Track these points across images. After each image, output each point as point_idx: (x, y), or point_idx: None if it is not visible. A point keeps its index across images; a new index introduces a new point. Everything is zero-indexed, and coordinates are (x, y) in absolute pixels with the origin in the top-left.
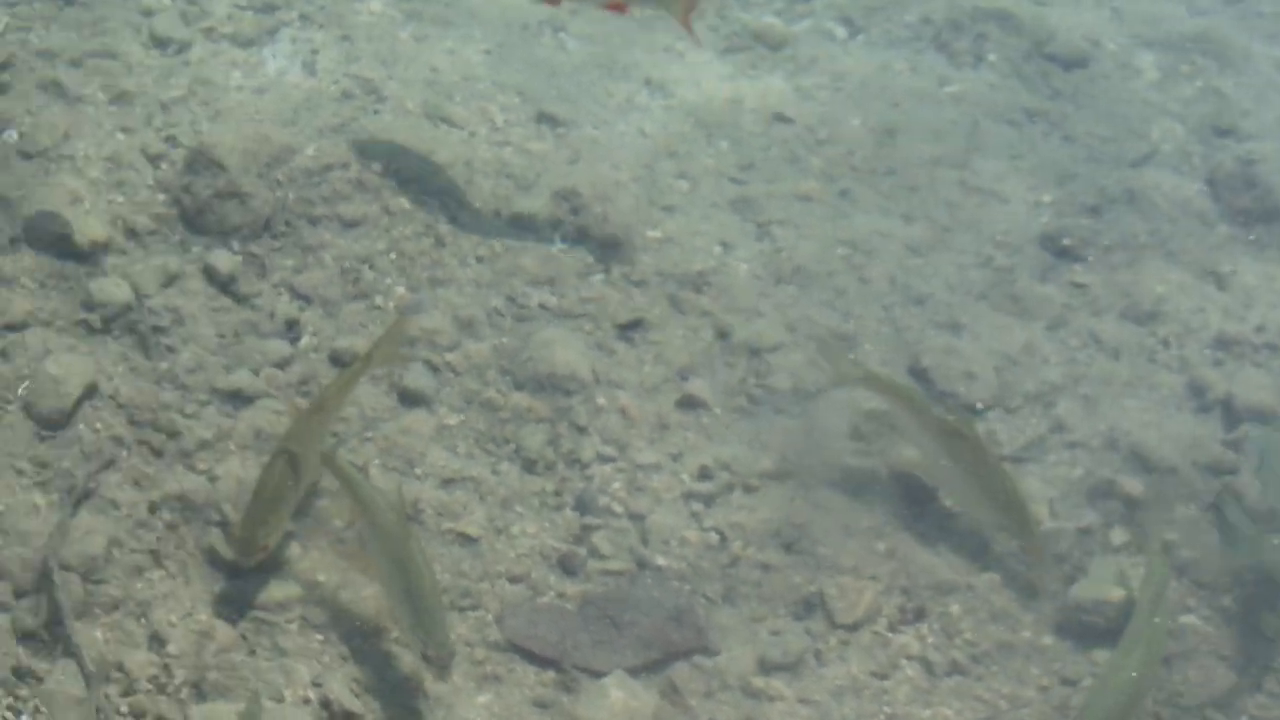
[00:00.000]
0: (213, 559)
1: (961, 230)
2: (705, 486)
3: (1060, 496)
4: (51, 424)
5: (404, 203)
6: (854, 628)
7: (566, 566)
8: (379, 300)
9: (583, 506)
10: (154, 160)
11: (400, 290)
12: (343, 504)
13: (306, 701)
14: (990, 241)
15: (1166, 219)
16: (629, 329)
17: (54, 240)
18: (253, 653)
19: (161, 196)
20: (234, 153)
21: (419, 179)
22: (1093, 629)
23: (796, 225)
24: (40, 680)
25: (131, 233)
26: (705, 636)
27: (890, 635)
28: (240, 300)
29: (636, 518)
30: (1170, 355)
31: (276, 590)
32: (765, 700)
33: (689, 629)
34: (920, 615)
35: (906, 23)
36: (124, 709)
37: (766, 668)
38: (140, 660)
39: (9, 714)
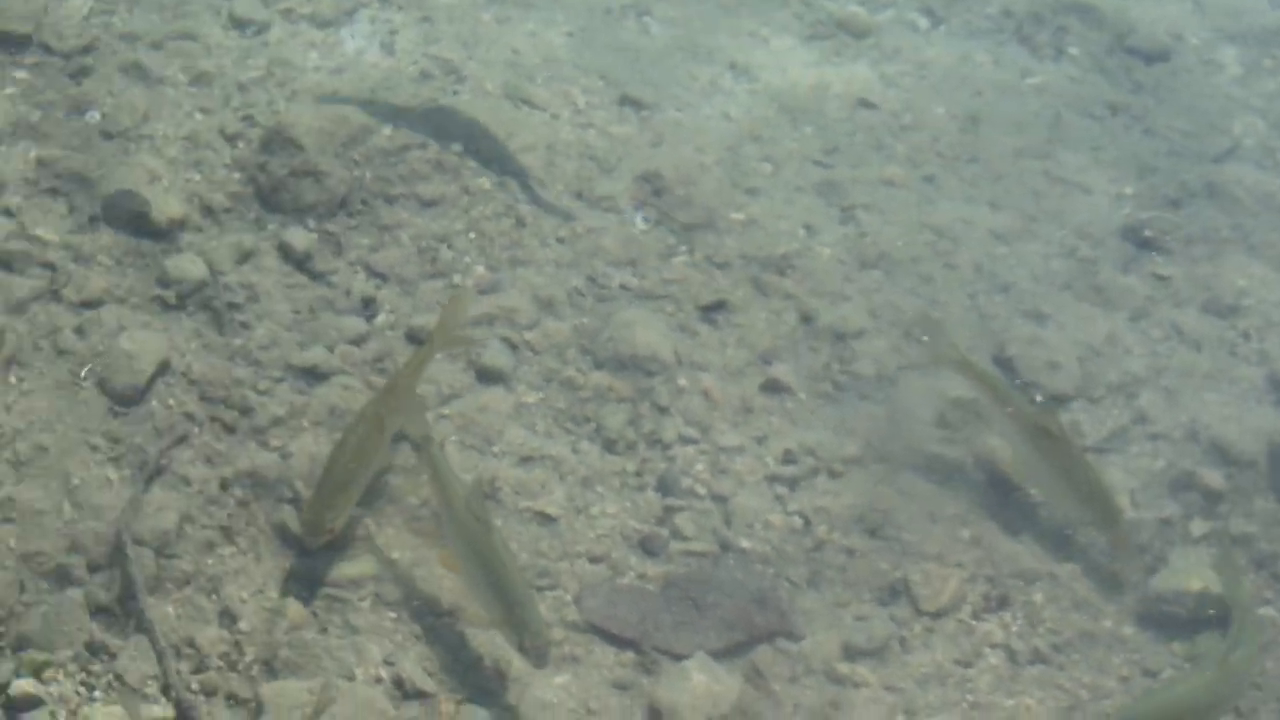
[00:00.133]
0: (284, 536)
1: (1046, 220)
2: (789, 470)
3: (1141, 487)
4: (125, 400)
5: (484, 183)
6: (938, 615)
7: (648, 547)
8: (457, 279)
9: (665, 487)
10: (231, 140)
11: (479, 269)
12: (431, 497)
13: (378, 680)
14: (1074, 232)
15: (1248, 213)
16: (712, 310)
17: (132, 218)
18: (324, 630)
19: (238, 175)
20: (310, 132)
21: (499, 160)
22: (1173, 619)
23: (881, 210)
24: (113, 655)
25: (208, 210)
26: (789, 620)
27: (974, 623)
28: (315, 277)
29: (720, 500)
30: (1251, 348)
31: (349, 567)
32: (850, 686)
33: (772, 612)
34: (1004, 603)
35: (988, 14)
36: (195, 685)
37: (851, 653)
38: (211, 636)
39: (82, 689)
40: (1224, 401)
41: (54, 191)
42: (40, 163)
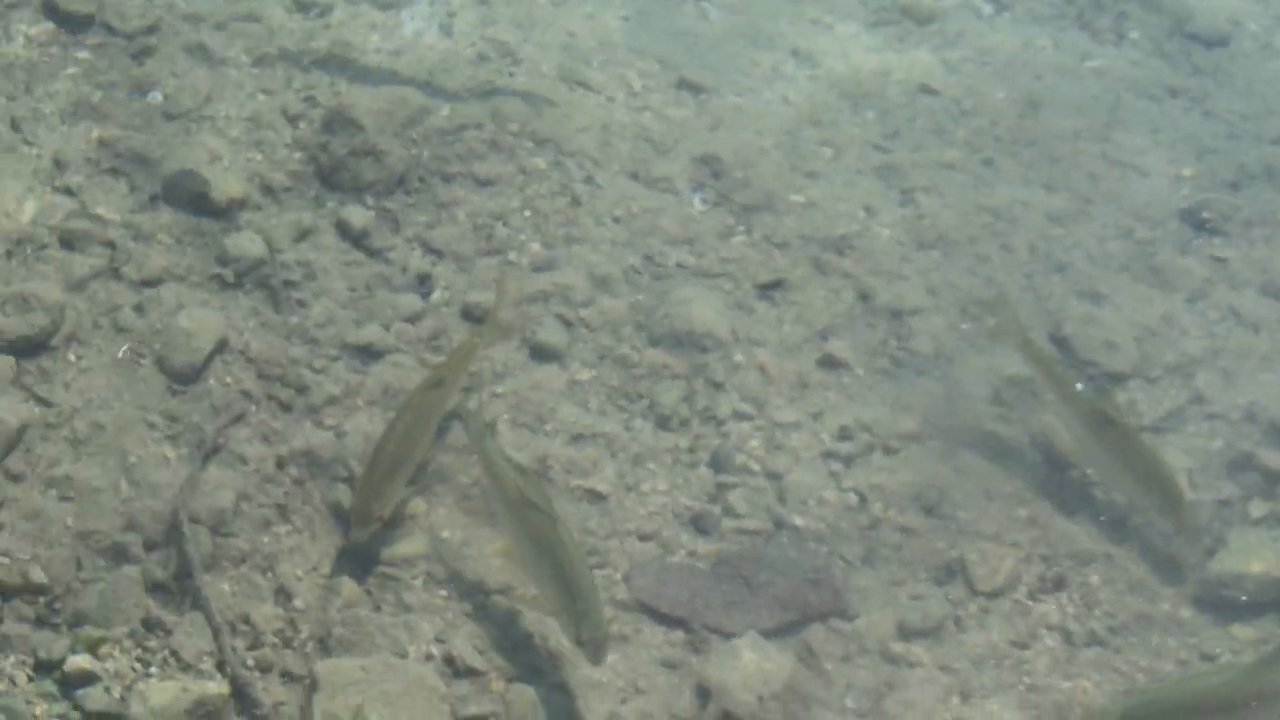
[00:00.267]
0: (339, 514)
1: (1103, 202)
2: (845, 447)
3: (1199, 468)
4: (183, 378)
5: (539, 163)
6: (994, 595)
7: (699, 525)
8: (512, 256)
9: (718, 464)
10: (293, 120)
11: (535, 246)
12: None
13: (430, 658)
14: (1131, 213)
15: None
16: (769, 289)
17: (192, 198)
18: (378, 608)
19: (298, 155)
20: (371, 112)
21: (555, 140)
22: (1232, 603)
23: (940, 193)
24: (169, 632)
25: (268, 189)
26: (843, 599)
27: (1030, 604)
28: (372, 254)
29: (774, 476)
30: None
31: (402, 546)
32: (904, 666)
33: (826, 591)
34: (1060, 584)
35: (1051, 0)
36: (250, 662)
37: (906, 633)
38: (266, 614)
39: (138, 665)
40: None
41: (115, 171)
42: (101, 142)
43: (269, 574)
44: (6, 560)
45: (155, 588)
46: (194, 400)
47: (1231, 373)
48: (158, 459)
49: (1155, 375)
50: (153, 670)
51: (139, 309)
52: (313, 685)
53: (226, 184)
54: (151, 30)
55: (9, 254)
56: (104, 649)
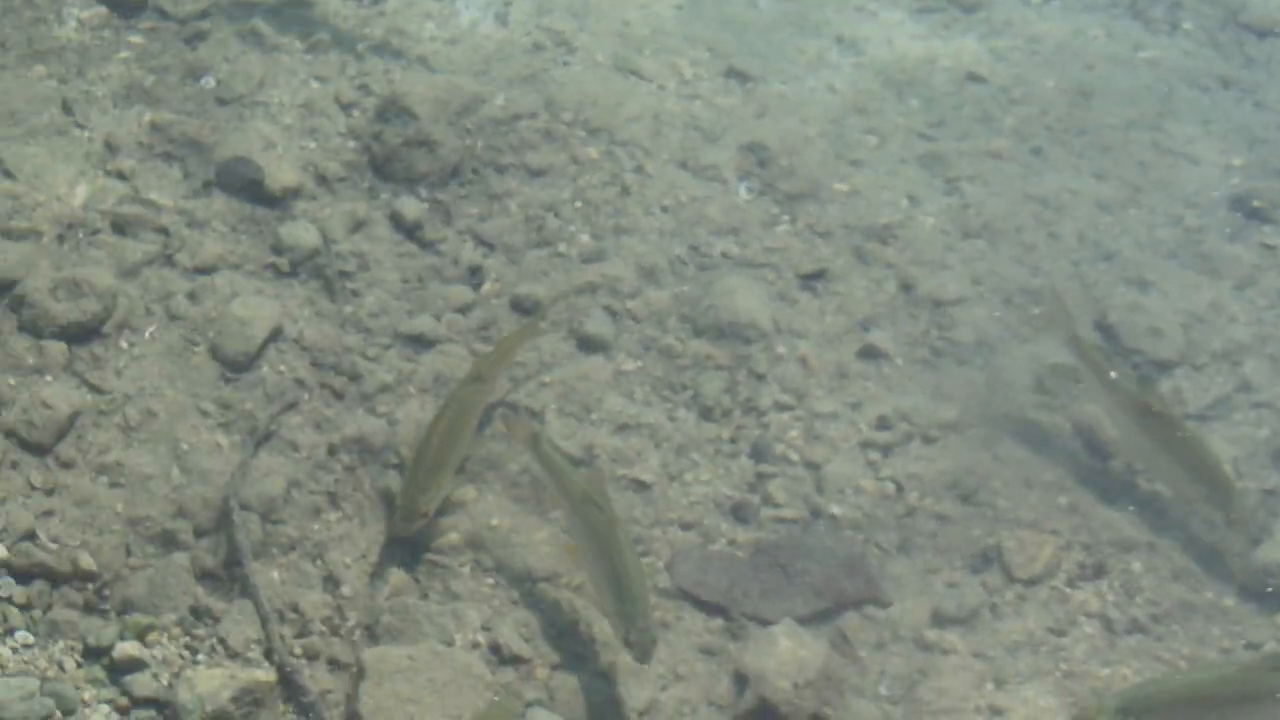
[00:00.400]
0: (389, 502)
1: (1152, 190)
2: (883, 436)
3: (1245, 456)
4: (236, 366)
5: (591, 152)
6: (1032, 582)
7: (739, 514)
8: (562, 247)
9: (758, 454)
10: (346, 108)
11: (584, 238)
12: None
13: (476, 645)
14: (1181, 201)
15: None
16: (812, 279)
17: (246, 185)
18: (425, 596)
19: (352, 144)
20: (425, 101)
21: (607, 129)
22: (1278, 593)
23: (986, 181)
24: (217, 619)
25: (322, 179)
26: (878, 587)
27: (1069, 591)
28: (425, 246)
29: (812, 466)
30: None
31: (450, 534)
32: (938, 653)
33: (861, 579)
34: (1100, 572)
35: None
36: (298, 649)
37: (940, 620)
38: (315, 601)
39: (186, 652)
40: None
41: (168, 156)
42: (154, 127)
43: (318, 561)
44: (56, 546)
45: (204, 575)
46: (247, 388)
47: None
48: (209, 446)
49: (1202, 363)
50: (200, 657)
51: (192, 296)
52: (360, 673)
53: (281, 172)
54: (205, 15)
55: (60, 238)
56: (152, 636)
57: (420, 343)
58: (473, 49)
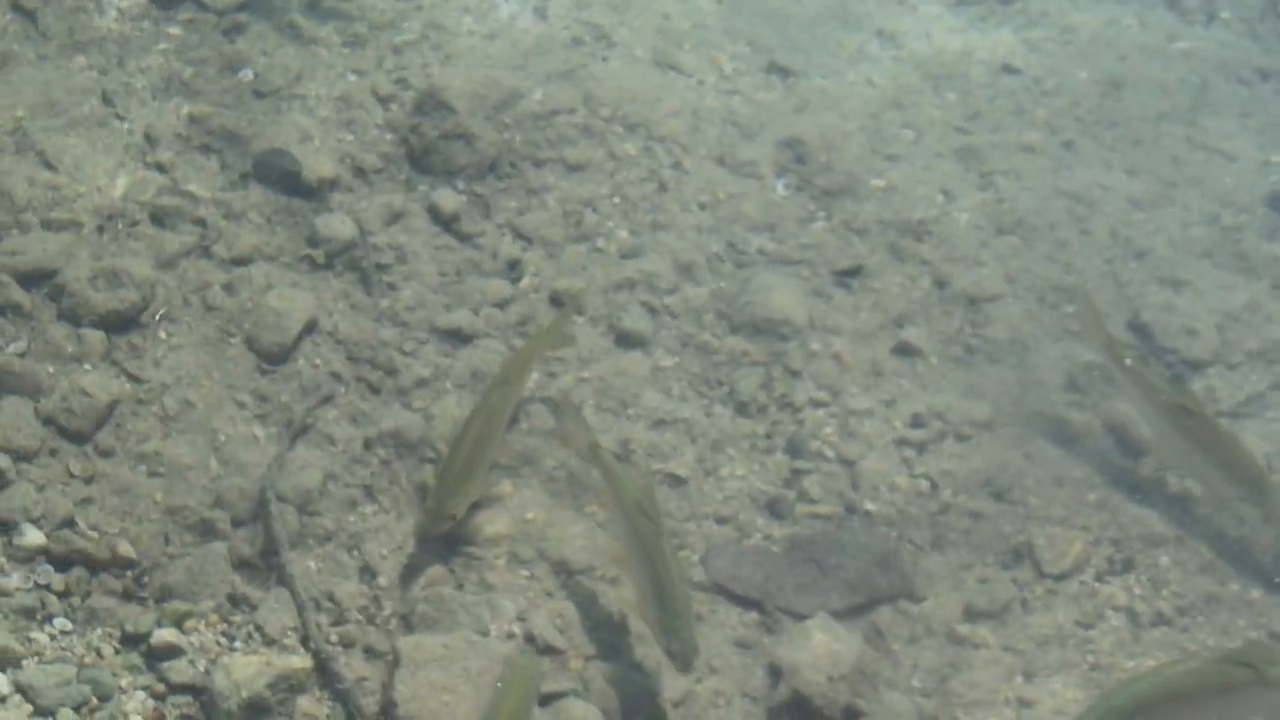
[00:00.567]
0: (424, 495)
1: (1187, 186)
2: (918, 434)
3: (1277, 453)
4: (272, 358)
5: (630, 148)
6: (1061, 577)
7: (774, 509)
8: (600, 243)
9: (794, 450)
10: (384, 101)
11: (622, 234)
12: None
13: (511, 636)
14: (1216, 199)
15: None
16: (847, 275)
17: (282, 176)
18: (460, 587)
19: (389, 136)
20: (463, 95)
21: (645, 124)
22: None
23: (1019, 176)
24: (254, 607)
25: (359, 171)
26: (911, 582)
27: (1097, 585)
28: (463, 239)
29: (847, 463)
30: None
31: (486, 527)
32: (969, 647)
33: (894, 574)
34: (1128, 566)
35: None
36: (334, 638)
37: (972, 615)
38: (351, 591)
39: (223, 639)
40: None
41: (206, 148)
42: (192, 119)
43: (354, 552)
44: (95, 534)
45: (242, 564)
46: (283, 380)
47: None
48: (246, 438)
49: (1236, 361)
50: (237, 644)
51: (229, 288)
52: (395, 661)
53: (317, 164)
54: (243, 7)
55: (100, 229)
56: (189, 623)
57: (457, 337)
58: (511, 43)
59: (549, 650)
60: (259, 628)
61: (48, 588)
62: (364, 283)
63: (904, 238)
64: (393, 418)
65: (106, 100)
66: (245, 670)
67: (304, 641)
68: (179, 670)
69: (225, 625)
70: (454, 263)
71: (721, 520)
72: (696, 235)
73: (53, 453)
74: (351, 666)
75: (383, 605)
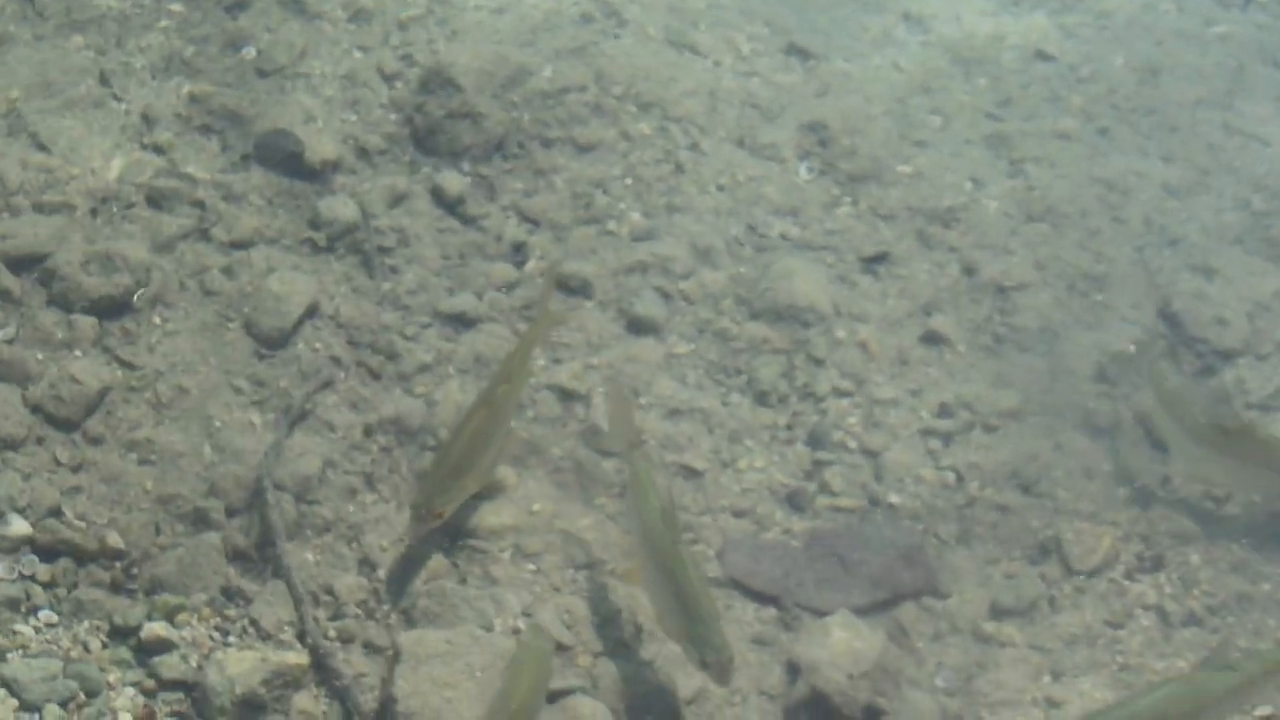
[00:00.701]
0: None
1: (1221, 173)
2: (944, 424)
3: None
4: (271, 343)
5: (644, 128)
6: (1090, 574)
7: (794, 502)
8: (611, 225)
9: (815, 441)
10: (389, 79)
11: (635, 216)
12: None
13: (516, 631)
14: (1250, 185)
15: None
16: (873, 262)
17: (284, 158)
18: (463, 580)
19: (394, 116)
20: (470, 72)
21: (660, 104)
22: None
23: (1052, 163)
24: (249, 600)
25: (362, 152)
26: (935, 578)
27: (1126, 583)
28: (467, 222)
29: (871, 454)
30: None
31: (490, 518)
32: (996, 645)
33: (919, 569)
34: (1159, 564)
35: None
36: (332, 633)
37: (998, 612)
38: (350, 584)
39: (216, 634)
40: None
41: (206, 129)
42: (193, 99)
43: (354, 544)
44: (83, 524)
45: (236, 555)
46: (282, 365)
47: None
48: (242, 424)
49: (1266, 352)
50: (231, 639)
51: (228, 271)
52: (395, 657)
53: (320, 145)
54: None
55: (94, 212)
56: (181, 616)
57: (461, 322)
58: (519, 18)
59: (556, 647)
60: (254, 622)
61: (33, 579)
62: (366, 266)
63: (932, 224)
64: (394, 404)
65: (104, 80)
66: (239, 666)
67: (301, 636)
68: (170, 665)
69: (219, 619)
70: (458, 245)
71: (739, 513)
72: (715, 218)
73: (40, 441)
74: (350, 662)
75: (383, 599)
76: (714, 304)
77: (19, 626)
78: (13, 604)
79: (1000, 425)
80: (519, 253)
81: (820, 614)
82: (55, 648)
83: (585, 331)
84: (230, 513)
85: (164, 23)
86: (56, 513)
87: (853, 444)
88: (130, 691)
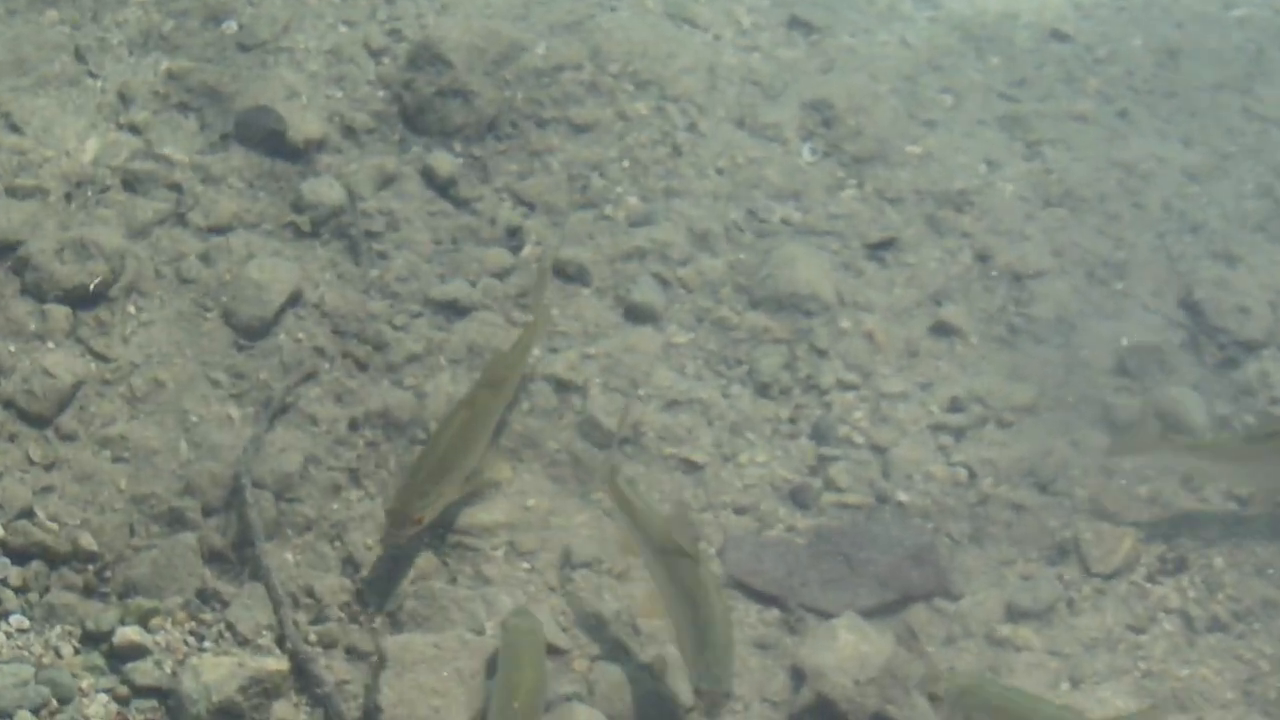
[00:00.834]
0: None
1: (1242, 157)
2: (956, 419)
3: None
4: (251, 333)
5: (640, 108)
6: (1110, 576)
7: (799, 499)
8: (608, 210)
9: (820, 435)
10: (376, 55)
11: (632, 200)
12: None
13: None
14: (1272, 171)
15: None
16: (880, 248)
17: (266, 137)
18: (453, 580)
19: (382, 93)
20: (460, 48)
21: (658, 82)
22: None
23: (1069, 146)
24: (226, 604)
25: (348, 130)
26: (947, 578)
27: (1148, 586)
28: (459, 205)
29: (878, 449)
30: None
31: (482, 514)
32: (1011, 650)
33: (929, 569)
34: (1181, 566)
35: None
36: (313, 637)
37: (1014, 615)
38: (332, 585)
39: (191, 638)
40: None
41: (184, 107)
42: (170, 75)
43: (337, 543)
44: (55, 525)
45: (213, 556)
46: (262, 356)
47: None
48: (220, 419)
49: None
50: (207, 644)
51: (205, 258)
52: (380, 662)
53: (304, 123)
54: None
55: (68, 196)
56: (155, 621)
57: (453, 309)
58: None
59: (551, 651)
60: (231, 626)
61: (4, 582)
62: (352, 252)
63: (943, 209)
64: (381, 396)
65: (79, 57)
66: (216, 672)
67: (280, 641)
68: (144, 672)
69: (194, 623)
70: (449, 230)
71: (740, 510)
72: (713, 202)
73: (11, 438)
74: (332, 668)
75: (367, 601)
76: (713, 292)
77: None
78: None
79: (1015, 420)
80: (514, 237)
81: (826, 616)
82: (27, 653)
83: (582, 320)
84: (207, 512)
85: None
86: (28, 514)
87: (859, 439)
88: (103, 698)
